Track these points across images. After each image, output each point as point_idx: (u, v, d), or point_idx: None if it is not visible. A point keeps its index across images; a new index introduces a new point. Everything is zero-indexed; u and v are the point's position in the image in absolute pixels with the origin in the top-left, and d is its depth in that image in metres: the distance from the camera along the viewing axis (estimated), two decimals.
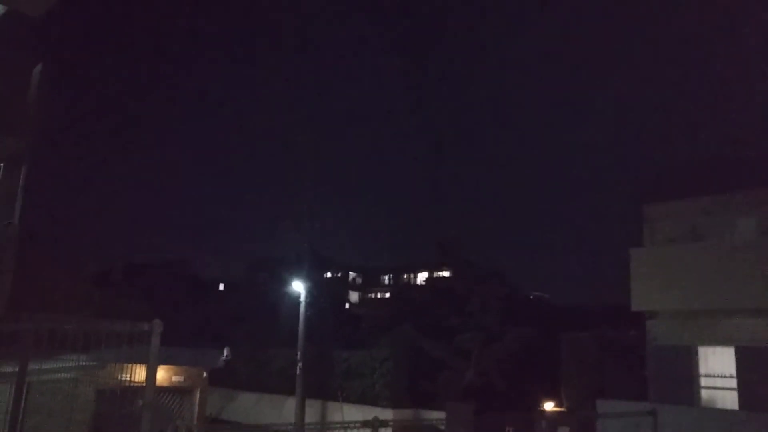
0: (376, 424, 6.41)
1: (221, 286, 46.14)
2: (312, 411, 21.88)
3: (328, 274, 61.05)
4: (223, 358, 15.44)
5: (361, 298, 68.79)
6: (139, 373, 6.99)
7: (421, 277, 65.15)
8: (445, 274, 49.74)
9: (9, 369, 7.59)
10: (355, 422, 6.80)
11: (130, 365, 7.99)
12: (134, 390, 7.75)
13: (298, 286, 22.53)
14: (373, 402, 20.45)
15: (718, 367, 14.23)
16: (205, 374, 13.20)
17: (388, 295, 63.59)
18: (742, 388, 13.68)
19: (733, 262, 13.82)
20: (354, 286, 72.14)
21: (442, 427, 17.30)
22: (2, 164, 9.19)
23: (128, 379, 7.97)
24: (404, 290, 47.07)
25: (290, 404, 21.90)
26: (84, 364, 10.23)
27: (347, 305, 54.11)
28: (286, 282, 24.08)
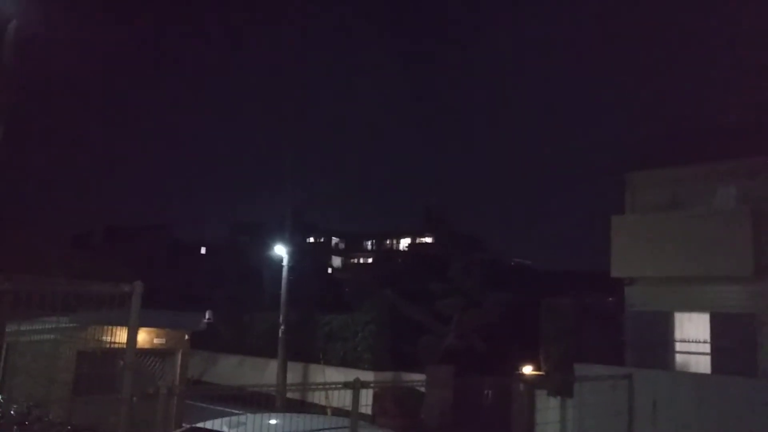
0: (357, 385, 6.47)
1: (203, 250, 45.93)
2: (294, 373, 22.09)
3: (311, 239, 61.06)
4: (205, 320, 15.44)
5: (343, 263, 69.03)
6: (120, 335, 6.96)
7: (404, 243, 65.43)
8: (428, 240, 50.00)
9: None
10: (337, 383, 6.86)
11: (111, 327, 7.96)
12: (115, 352, 7.74)
13: (281, 250, 22.50)
14: (355, 364, 20.67)
15: (692, 332, 14.53)
16: (186, 337, 13.17)
17: (370, 260, 63.85)
18: (715, 353, 14.03)
19: (710, 230, 14.01)
20: (337, 251, 72.31)
21: (423, 389, 17.59)
22: None
23: (109, 340, 7.95)
24: (387, 256, 47.26)
25: (272, 367, 22.07)
26: (65, 325, 10.19)
27: (330, 270, 54.32)
28: (268, 246, 24.02)
